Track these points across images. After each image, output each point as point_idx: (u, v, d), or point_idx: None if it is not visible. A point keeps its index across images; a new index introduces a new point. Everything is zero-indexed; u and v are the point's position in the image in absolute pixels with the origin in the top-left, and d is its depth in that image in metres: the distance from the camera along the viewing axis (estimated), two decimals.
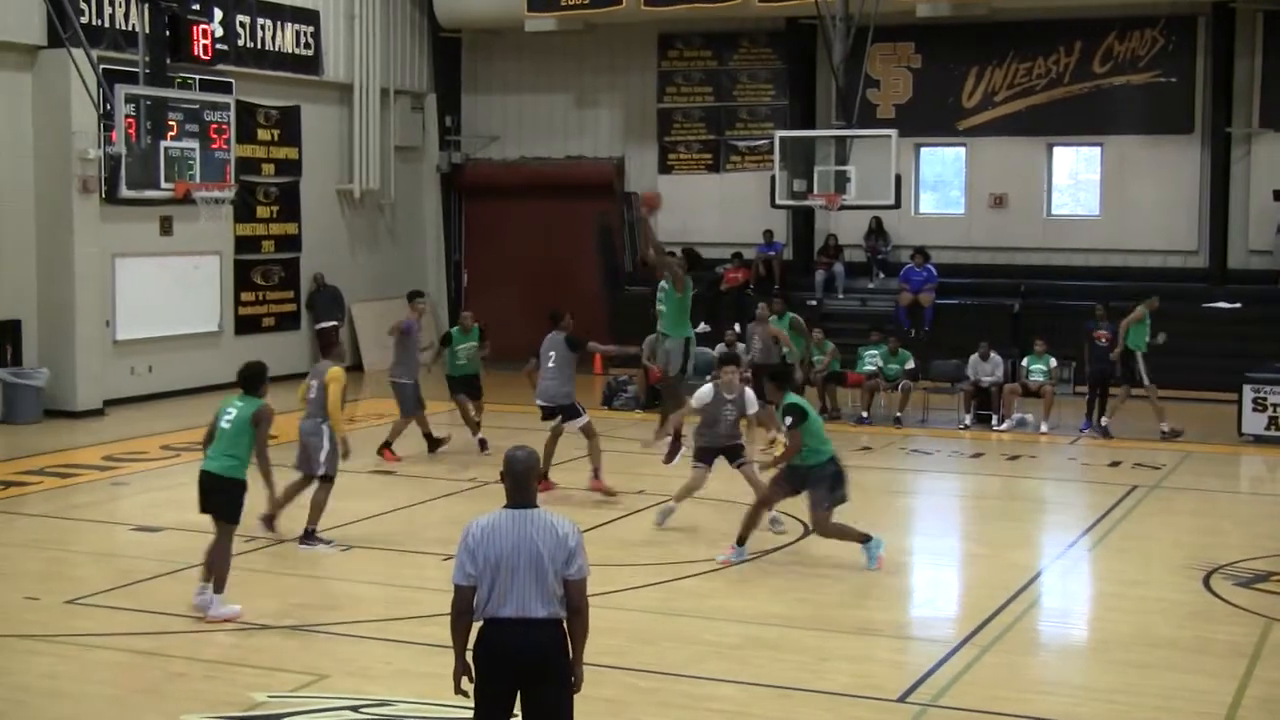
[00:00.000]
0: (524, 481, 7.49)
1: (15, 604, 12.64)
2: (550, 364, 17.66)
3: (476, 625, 7.46)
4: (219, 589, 12.03)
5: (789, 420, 13.66)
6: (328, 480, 14.65)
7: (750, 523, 14.28)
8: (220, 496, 12.12)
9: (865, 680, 10.75)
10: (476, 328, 21.19)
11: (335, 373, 14.71)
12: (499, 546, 7.31)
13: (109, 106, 19.79)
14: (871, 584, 13.68)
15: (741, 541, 14.21)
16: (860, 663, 11.27)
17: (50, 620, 12.07)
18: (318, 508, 14.58)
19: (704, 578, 13.68)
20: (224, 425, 12.15)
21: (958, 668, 11.02)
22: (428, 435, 20.29)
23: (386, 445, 19.70)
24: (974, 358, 23.28)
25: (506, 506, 7.48)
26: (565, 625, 7.43)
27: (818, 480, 13.77)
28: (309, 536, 14.57)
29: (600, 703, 9.90)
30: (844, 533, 13.96)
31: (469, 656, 7.47)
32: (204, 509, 12.26)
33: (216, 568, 12.04)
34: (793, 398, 13.97)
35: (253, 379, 12.43)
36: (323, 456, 14.60)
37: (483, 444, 20.28)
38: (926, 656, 11.30)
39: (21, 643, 11.46)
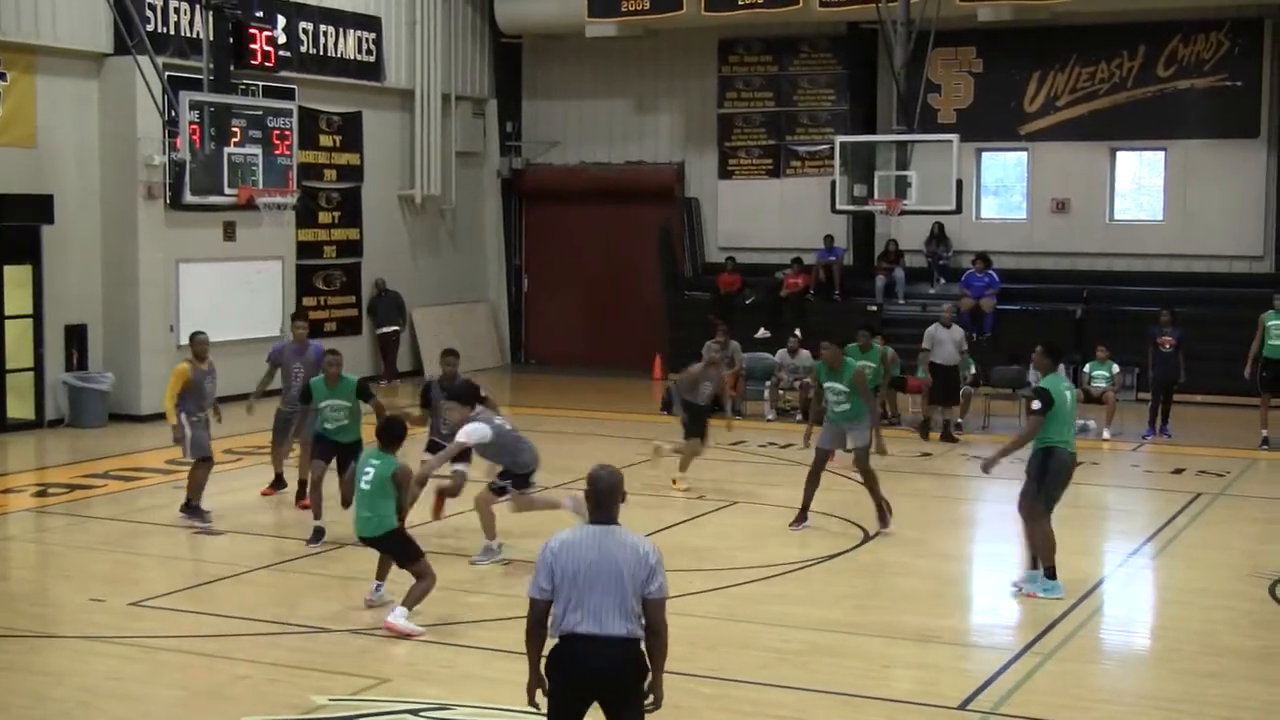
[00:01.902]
0: (606, 499, 7.45)
1: (81, 605, 12.77)
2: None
3: (551, 640, 7.41)
4: (409, 604, 11.97)
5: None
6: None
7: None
8: (391, 549, 12.21)
9: (927, 687, 10.70)
10: (354, 381, 15.72)
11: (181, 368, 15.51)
12: (577, 561, 7.28)
13: (174, 113, 19.95)
14: (934, 590, 13.63)
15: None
16: (922, 669, 11.23)
17: (115, 622, 12.17)
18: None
19: (765, 583, 13.64)
20: (364, 486, 12.01)
21: (1019, 675, 10.95)
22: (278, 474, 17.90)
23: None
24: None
25: (589, 522, 7.47)
26: (643, 645, 7.37)
27: None
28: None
29: (664, 709, 9.91)
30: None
31: (543, 667, 7.45)
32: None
33: (415, 591, 12.02)
34: None
35: (391, 435, 12.23)
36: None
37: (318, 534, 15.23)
38: (988, 664, 11.23)
39: (87, 644, 11.57)
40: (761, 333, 27.55)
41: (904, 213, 24.77)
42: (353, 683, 10.59)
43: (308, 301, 27.80)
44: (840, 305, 28.36)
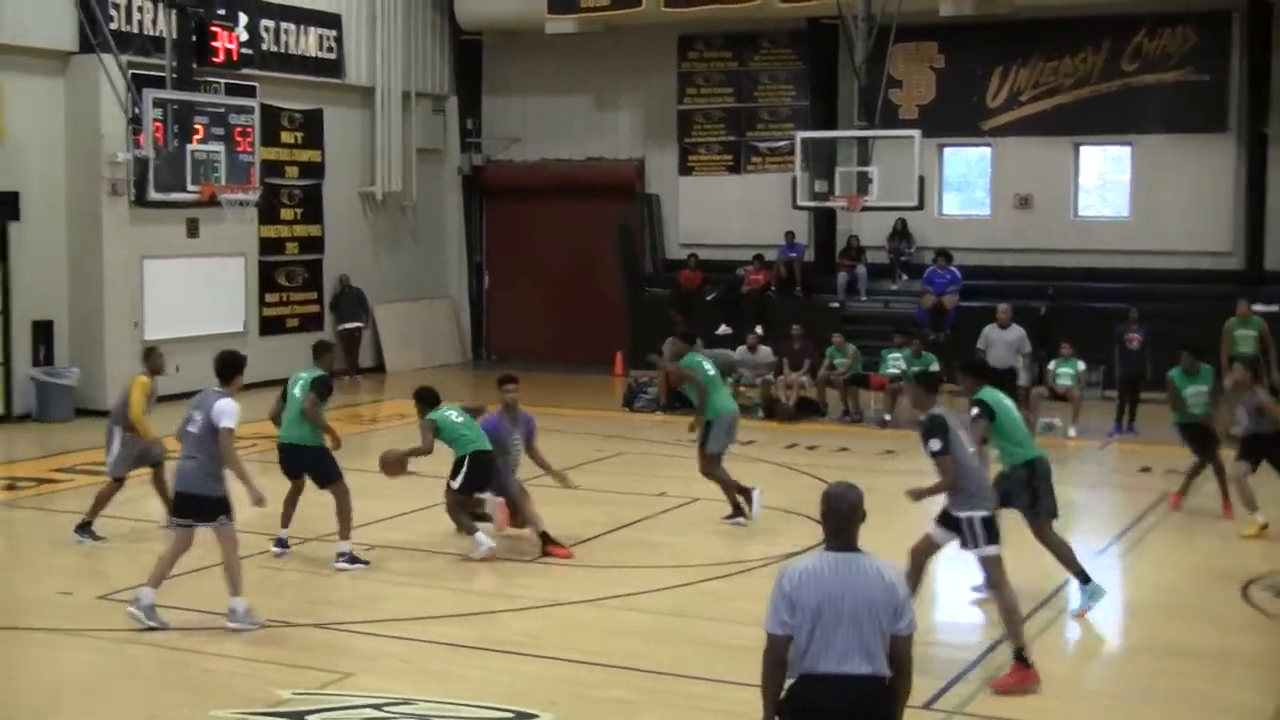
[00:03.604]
0: (847, 522, 6.76)
1: (49, 599, 12.90)
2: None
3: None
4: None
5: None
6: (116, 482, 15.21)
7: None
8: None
9: None
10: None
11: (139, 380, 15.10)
12: (819, 593, 6.60)
13: (137, 110, 20.06)
14: None
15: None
16: None
17: (83, 615, 12.31)
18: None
19: (723, 580, 13.76)
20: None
21: (985, 675, 10.95)
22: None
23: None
24: None
25: (827, 549, 6.80)
26: (888, 684, 6.73)
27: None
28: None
29: (609, 704, 10.15)
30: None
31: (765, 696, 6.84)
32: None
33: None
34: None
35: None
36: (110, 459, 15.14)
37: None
38: (953, 664, 11.20)
39: (55, 637, 11.70)
40: (722, 329, 27.66)
41: (865, 209, 24.85)
42: (317, 677, 10.74)
43: (270, 298, 27.90)
44: (802, 302, 28.50)
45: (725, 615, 12.40)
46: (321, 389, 14.23)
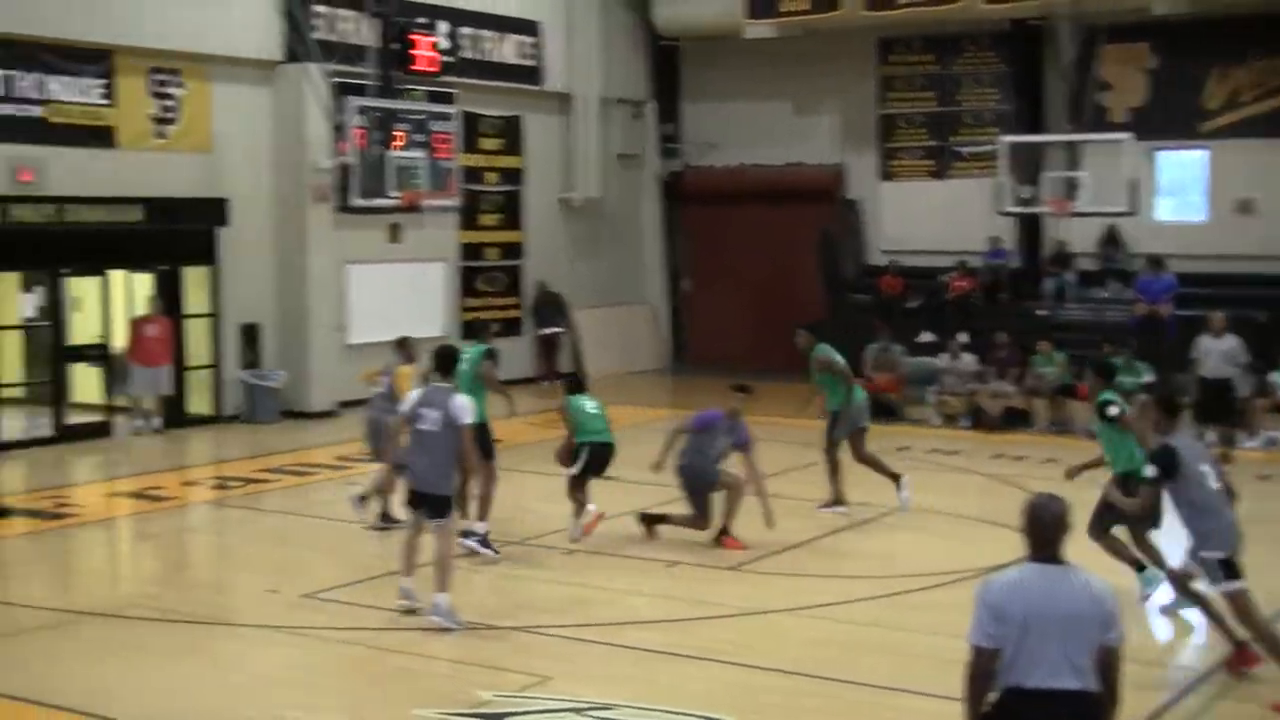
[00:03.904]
0: (1052, 533, 6.58)
1: (256, 596, 13.09)
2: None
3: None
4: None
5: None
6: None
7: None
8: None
9: None
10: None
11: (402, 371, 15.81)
12: (1027, 605, 6.45)
13: (340, 118, 20.34)
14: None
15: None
16: None
17: (288, 613, 12.46)
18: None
19: (926, 592, 13.47)
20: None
21: (1205, 698, 10.58)
22: None
23: None
24: None
25: (1030, 561, 6.63)
26: (1097, 698, 6.53)
27: None
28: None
29: (808, 714, 9.94)
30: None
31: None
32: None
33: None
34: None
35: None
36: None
37: None
38: (1172, 685, 10.84)
39: (261, 633, 11.87)
40: (925, 336, 27.25)
41: (1074, 215, 24.30)
42: (517, 679, 10.69)
43: (470, 302, 28.11)
44: (1007, 309, 27.86)
45: (927, 626, 12.11)
46: (492, 357, 15.11)
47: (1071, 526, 6.63)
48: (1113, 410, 12.88)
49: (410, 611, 12.17)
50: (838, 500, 16.74)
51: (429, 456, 12.05)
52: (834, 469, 16.85)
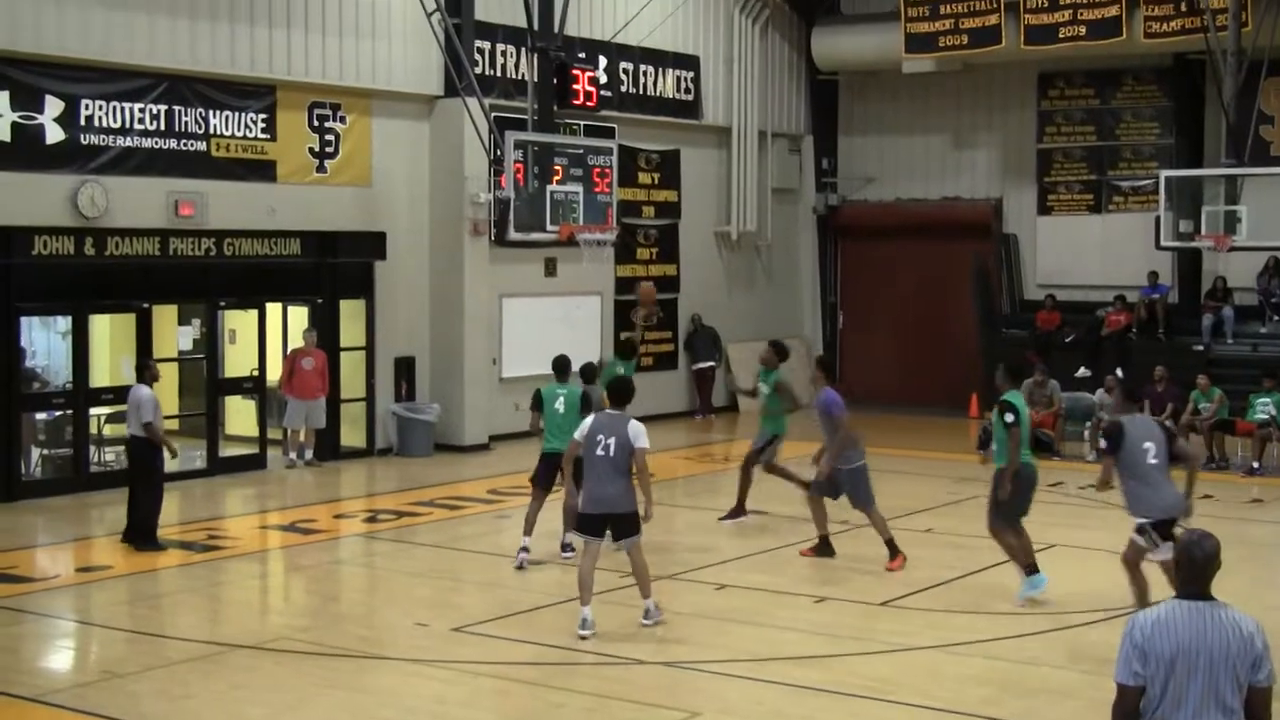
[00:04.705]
0: (1203, 571, 6.47)
1: (406, 629, 13.20)
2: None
3: None
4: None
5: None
6: None
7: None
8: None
9: None
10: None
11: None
12: (1174, 643, 6.32)
13: (499, 152, 20.54)
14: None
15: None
16: None
17: (438, 646, 12.56)
18: None
19: (1081, 629, 13.29)
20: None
21: None
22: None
23: None
24: None
25: (1179, 597, 6.52)
26: None
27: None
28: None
29: None
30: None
31: None
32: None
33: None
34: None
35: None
36: None
37: None
38: None
39: (411, 666, 11.95)
40: (1081, 371, 26.92)
41: (1234, 249, 23.95)
42: (666, 715, 10.70)
43: (625, 337, 28.16)
44: (1165, 344, 27.45)
45: (1082, 664, 11.98)
46: (585, 405, 15.41)
47: (1221, 564, 6.50)
48: (1009, 418, 13.84)
49: (585, 638, 12.55)
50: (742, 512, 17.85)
51: (615, 483, 12.74)
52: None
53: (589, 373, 16.71)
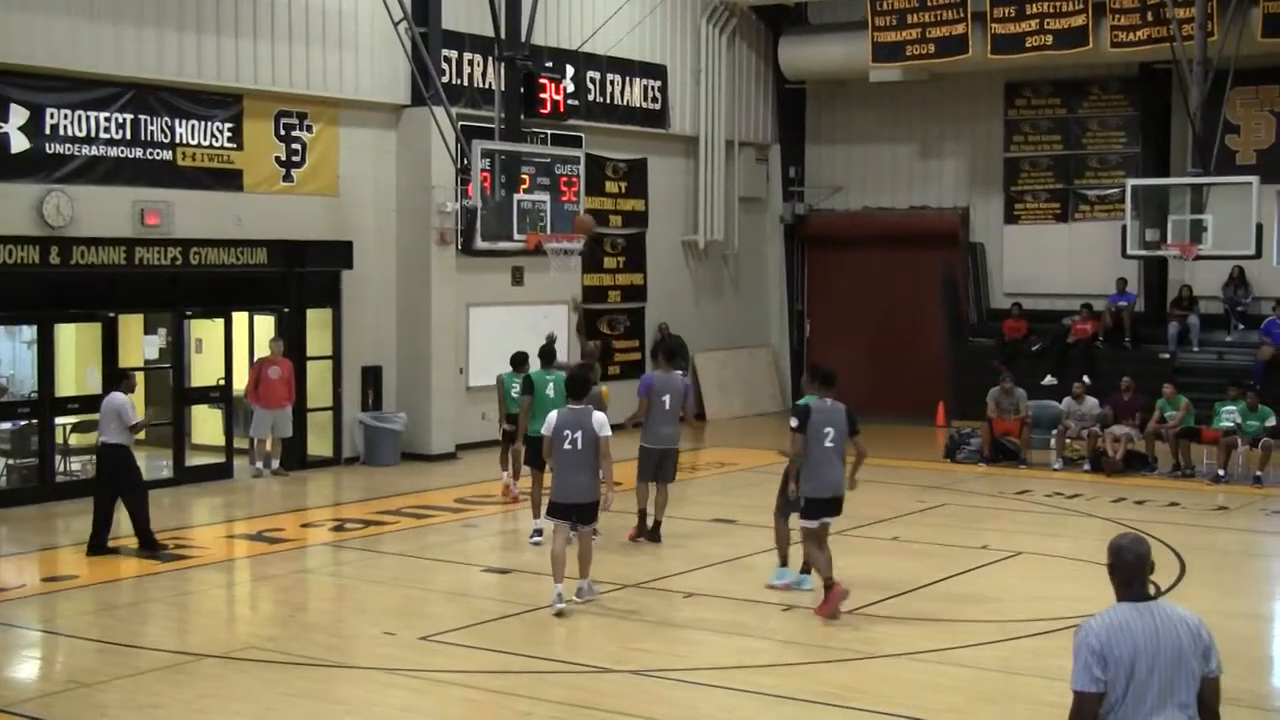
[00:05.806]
0: (1141, 573, 6.53)
1: (374, 638, 13.17)
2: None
3: None
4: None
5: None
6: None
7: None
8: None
9: None
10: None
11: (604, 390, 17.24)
12: (1132, 645, 6.36)
13: (466, 161, 20.52)
14: (1232, 651, 13.12)
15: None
16: None
17: (406, 655, 12.51)
18: None
19: (1048, 637, 13.33)
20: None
21: None
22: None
23: None
24: None
25: (1121, 600, 6.55)
26: None
27: None
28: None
29: None
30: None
31: None
32: None
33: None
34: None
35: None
36: None
37: None
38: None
39: (380, 675, 11.91)
40: (1048, 380, 27.01)
41: (1199, 258, 24.09)
42: None
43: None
44: (1131, 352, 27.59)
45: (1049, 672, 11.89)
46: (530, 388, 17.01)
47: (1154, 565, 6.56)
48: (793, 423, 14.09)
49: (560, 614, 13.51)
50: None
51: (584, 473, 13.73)
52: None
53: (549, 354, 17.84)
